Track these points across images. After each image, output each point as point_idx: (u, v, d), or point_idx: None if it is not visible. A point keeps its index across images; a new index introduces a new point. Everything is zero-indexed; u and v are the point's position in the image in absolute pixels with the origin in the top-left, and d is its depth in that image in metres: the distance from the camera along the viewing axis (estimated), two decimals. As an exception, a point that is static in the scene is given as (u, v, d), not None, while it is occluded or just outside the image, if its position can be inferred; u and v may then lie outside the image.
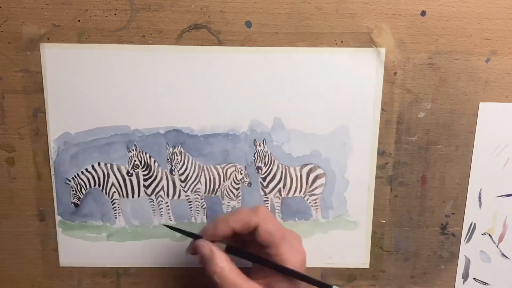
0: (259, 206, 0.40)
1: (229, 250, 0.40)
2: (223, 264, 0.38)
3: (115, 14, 0.43)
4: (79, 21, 0.44)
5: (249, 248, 0.41)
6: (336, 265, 0.50)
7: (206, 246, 0.39)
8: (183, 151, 0.47)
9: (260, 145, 0.47)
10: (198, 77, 0.45)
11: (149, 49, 0.44)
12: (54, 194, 0.48)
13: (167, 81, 0.45)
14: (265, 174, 0.47)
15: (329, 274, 0.50)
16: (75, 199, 0.48)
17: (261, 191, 0.48)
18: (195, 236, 0.41)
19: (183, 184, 0.48)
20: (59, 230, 0.48)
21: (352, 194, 0.48)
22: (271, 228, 0.39)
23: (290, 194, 0.48)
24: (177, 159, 0.47)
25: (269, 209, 0.48)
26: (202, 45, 0.44)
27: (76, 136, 0.46)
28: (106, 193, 0.48)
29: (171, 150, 0.47)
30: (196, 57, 0.45)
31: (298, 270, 0.39)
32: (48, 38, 0.44)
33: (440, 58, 0.45)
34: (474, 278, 0.50)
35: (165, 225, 0.45)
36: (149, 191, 0.48)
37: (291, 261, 0.39)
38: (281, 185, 0.48)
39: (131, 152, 0.47)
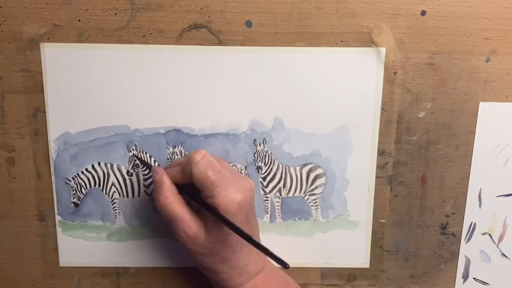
0: (195, 152, 0.40)
1: (179, 189, 0.41)
2: (167, 193, 0.40)
3: (115, 14, 0.43)
4: (79, 21, 0.44)
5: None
6: (336, 265, 0.50)
7: (158, 173, 0.41)
8: (183, 151, 0.47)
9: (260, 145, 0.47)
10: (198, 77, 0.45)
11: (149, 49, 0.44)
12: (54, 194, 0.48)
13: (167, 81, 0.45)
14: (265, 174, 0.47)
15: (329, 274, 0.50)
16: (75, 199, 0.48)
17: (261, 190, 0.48)
18: (150, 166, 0.45)
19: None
20: (59, 230, 0.48)
21: (352, 194, 0.48)
22: (201, 171, 0.39)
23: (290, 194, 0.48)
24: (134, 153, 0.47)
25: (268, 208, 0.48)
26: (202, 45, 0.44)
27: (76, 136, 0.46)
28: (106, 193, 0.48)
29: (171, 150, 0.47)
30: (196, 57, 0.45)
31: (229, 217, 0.39)
32: (48, 38, 0.44)
33: (440, 58, 0.45)
34: (474, 278, 0.50)
35: (135, 155, 0.47)
36: (149, 191, 0.48)
37: (221, 206, 0.39)
38: (281, 184, 0.48)
39: (131, 152, 0.47)
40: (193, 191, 0.41)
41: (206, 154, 0.40)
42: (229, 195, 0.39)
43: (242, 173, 0.47)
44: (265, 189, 0.48)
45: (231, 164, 0.47)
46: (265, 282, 0.43)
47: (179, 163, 0.41)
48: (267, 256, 0.37)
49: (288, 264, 0.35)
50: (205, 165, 0.39)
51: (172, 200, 0.40)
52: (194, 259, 0.42)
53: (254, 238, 0.38)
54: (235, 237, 0.39)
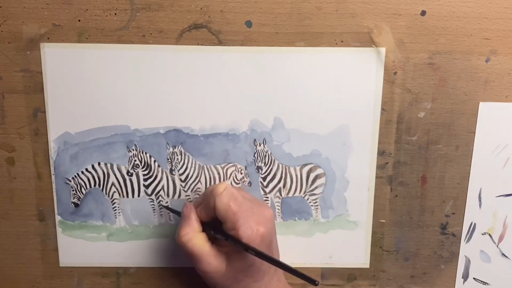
0: (217, 185, 0.41)
1: (207, 225, 0.42)
2: (187, 230, 0.41)
3: (115, 14, 0.43)
4: (79, 21, 0.44)
5: None
6: (336, 265, 0.50)
7: (188, 209, 0.42)
8: (183, 151, 0.47)
9: (260, 145, 0.47)
10: (198, 77, 0.45)
11: (149, 49, 0.44)
12: (54, 194, 0.48)
13: (167, 81, 0.45)
14: (265, 174, 0.47)
15: (329, 274, 0.50)
16: (75, 199, 0.48)
17: (261, 190, 0.48)
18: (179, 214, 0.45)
19: (183, 184, 0.48)
20: (59, 230, 0.48)
21: (352, 194, 0.48)
22: (224, 204, 0.39)
23: (290, 194, 0.48)
24: (177, 159, 0.47)
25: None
26: (202, 45, 0.44)
27: (76, 136, 0.46)
28: (106, 193, 0.48)
29: (171, 150, 0.47)
30: (196, 57, 0.45)
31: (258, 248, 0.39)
32: (48, 38, 0.44)
33: (440, 58, 0.45)
34: (474, 278, 0.50)
35: (163, 205, 0.47)
36: (149, 191, 0.48)
37: (243, 238, 0.39)
38: (281, 184, 0.48)
39: (131, 152, 0.47)
40: (219, 226, 0.41)
41: (228, 186, 0.40)
42: (252, 227, 0.39)
43: (241, 173, 0.47)
44: (265, 189, 0.48)
45: (231, 165, 0.47)
46: None
47: (203, 200, 0.42)
48: (297, 277, 0.37)
49: (318, 281, 0.37)
50: (228, 196, 0.40)
51: (191, 237, 0.41)
52: None
53: (283, 262, 0.39)
54: (257, 266, 0.40)
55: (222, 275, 0.41)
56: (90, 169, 0.47)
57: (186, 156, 0.47)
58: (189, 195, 0.48)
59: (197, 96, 0.45)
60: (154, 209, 0.48)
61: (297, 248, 0.49)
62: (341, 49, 0.45)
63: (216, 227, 0.41)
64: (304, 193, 0.48)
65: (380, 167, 0.47)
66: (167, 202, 0.48)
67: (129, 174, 0.47)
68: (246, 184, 0.48)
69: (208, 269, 0.41)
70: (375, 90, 0.45)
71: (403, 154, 0.47)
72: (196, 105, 0.46)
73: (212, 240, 0.42)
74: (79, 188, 0.47)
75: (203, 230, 0.42)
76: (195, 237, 0.41)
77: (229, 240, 0.40)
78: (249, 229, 0.39)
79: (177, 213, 0.46)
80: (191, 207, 0.42)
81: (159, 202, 0.48)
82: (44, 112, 0.46)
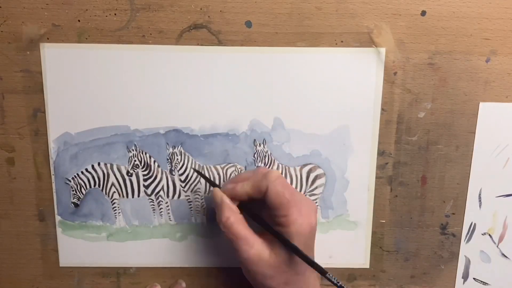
0: (270, 171, 0.41)
1: (241, 207, 0.42)
2: (229, 214, 0.40)
3: (115, 14, 0.43)
4: (79, 21, 0.44)
5: (263, 209, 0.41)
6: (336, 265, 0.50)
7: (218, 195, 0.41)
8: (183, 151, 0.47)
9: (260, 145, 0.47)
10: (198, 77, 0.45)
11: (149, 49, 0.44)
12: (54, 194, 0.48)
13: (167, 81, 0.45)
14: (265, 174, 0.47)
15: (329, 274, 0.50)
16: (75, 199, 0.48)
17: (261, 191, 0.48)
18: (214, 185, 0.44)
19: (183, 184, 0.48)
20: (59, 230, 0.48)
21: (352, 194, 0.48)
22: (278, 191, 0.39)
23: (290, 194, 0.48)
24: (177, 159, 0.47)
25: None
26: (202, 45, 0.44)
27: (76, 136, 0.46)
28: (106, 193, 0.48)
29: (171, 150, 0.47)
30: (196, 57, 0.45)
31: (296, 244, 0.39)
32: (48, 38, 0.44)
33: (440, 58, 0.45)
34: (474, 278, 0.50)
35: (194, 169, 0.47)
36: (149, 191, 0.48)
37: (296, 225, 0.39)
38: (281, 185, 0.48)
39: (131, 152, 0.47)
40: (254, 210, 0.41)
41: (280, 175, 0.40)
42: (303, 216, 0.39)
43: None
44: (265, 189, 0.48)
45: (231, 165, 0.47)
46: None
47: (247, 178, 0.42)
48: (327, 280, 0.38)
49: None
50: (282, 184, 0.40)
51: (234, 220, 0.40)
52: (256, 282, 0.41)
53: (316, 262, 0.39)
54: (300, 258, 0.40)
55: (265, 262, 0.40)
56: (90, 169, 0.47)
57: (186, 156, 0.47)
58: (188, 196, 0.48)
59: (197, 96, 0.45)
60: (154, 209, 0.48)
61: (297, 248, 0.49)
62: (341, 49, 0.45)
63: (252, 211, 0.41)
64: (304, 193, 0.48)
65: (380, 167, 0.47)
66: (167, 203, 0.48)
67: (129, 174, 0.47)
68: (246, 184, 0.48)
69: (253, 252, 0.40)
70: (375, 90, 0.45)
71: (403, 154, 0.47)
72: (196, 105, 0.46)
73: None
74: (79, 188, 0.47)
75: (242, 213, 0.42)
76: (237, 220, 0.40)
77: (265, 228, 0.40)
78: (301, 218, 0.39)
79: (209, 181, 0.45)
80: (220, 192, 0.42)
81: (159, 202, 0.48)
82: (44, 112, 0.46)
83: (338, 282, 0.38)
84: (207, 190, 0.48)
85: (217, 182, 0.47)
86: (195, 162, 0.47)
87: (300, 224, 0.39)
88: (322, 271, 0.38)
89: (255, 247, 0.40)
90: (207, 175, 0.47)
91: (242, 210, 0.42)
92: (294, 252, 0.39)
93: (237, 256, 0.41)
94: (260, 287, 0.41)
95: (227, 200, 0.41)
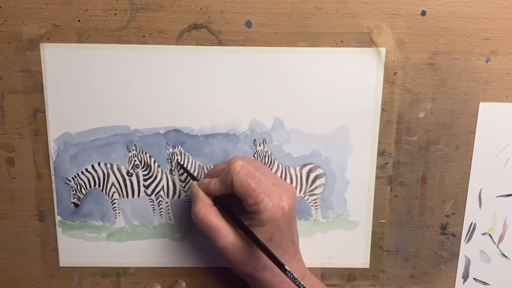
0: (234, 162, 0.41)
1: (216, 201, 0.43)
2: (201, 205, 0.42)
3: (115, 14, 0.43)
4: (79, 21, 0.44)
5: (239, 201, 0.42)
6: (336, 265, 0.50)
7: (194, 188, 0.43)
8: (183, 151, 0.47)
9: (260, 145, 0.47)
10: (198, 77, 0.45)
11: (149, 49, 0.44)
12: (54, 194, 0.48)
13: (167, 81, 0.45)
14: (265, 174, 0.47)
15: (329, 274, 0.50)
16: (75, 199, 0.48)
17: (261, 191, 0.48)
18: (194, 178, 0.46)
19: (183, 184, 0.48)
20: (59, 230, 0.48)
21: (352, 194, 0.48)
22: (242, 181, 0.40)
23: (290, 194, 0.48)
24: (177, 159, 0.47)
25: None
26: (202, 45, 0.44)
27: (76, 136, 0.46)
28: (106, 193, 0.48)
29: (171, 150, 0.47)
30: (196, 57, 0.45)
31: (271, 229, 0.39)
32: (48, 38, 0.44)
33: (440, 58, 0.45)
34: (474, 278, 0.50)
35: (178, 163, 0.47)
36: (149, 191, 0.48)
37: (267, 211, 0.39)
38: (281, 185, 0.48)
39: (131, 152, 0.47)
40: (229, 204, 0.42)
41: (244, 164, 0.41)
42: (273, 201, 0.40)
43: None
44: (265, 189, 0.48)
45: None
46: None
47: (215, 174, 0.43)
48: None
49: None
50: (246, 174, 0.40)
51: (206, 211, 0.41)
52: (236, 269, 0.42)
53: (280, 259, 0.38)
54: (276, 242, 0.40)
55: (241, 250, 0.41)
56: (90, 169, 0.47)
57: (186, 156, 0.47)
58: (189, 196, 0.48)
59: (197, 96, 0.45)
60: (154, 209, 0.48)
61: (297, 248, 0.49)
62: (341, 49, 0.45)
63: (228, 206, 0.42)
64: (304, 193, 0.48)
65: (380, 167, 0.47)
66: (167, 203, 0.48)
67: (129, 174, 0.47)
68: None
69: (226, 243, 0.41)
70: (375, 90, 0.45)
71: (403, 154, 0.47)
72: (196, 105, 0.46)
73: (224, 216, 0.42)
74: (79, 188, 0.47)
75: (215, 206, 0.43)
76: (209, 211, 0.41)
77: (236, 223, 0.40)
78: (271, 202, 0.39)
79: (189, 174, 0.46)
80: (196, 185, 0.43)
81: (159, 202, 0.48)
82: (44, 112, 0.46)
83: (297, 280, 0.37)
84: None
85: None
86: (195, 162, 0.47)
87: (270, 209, 0.39)
88: (282, 267, 0.38)
89: (229, 237, 0.41)
90: (207, 175, 0.47)
91: (216, 203, 0.43)
92: (258, 247, 0.39)
93: (215, 246, 0.41)
94: (242, 272, 0.42)
95: (201, 193, 0.42)
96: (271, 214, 0.39)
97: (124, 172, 0.47)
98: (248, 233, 0.40)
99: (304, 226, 0.49)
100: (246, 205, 0.40)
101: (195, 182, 0.44)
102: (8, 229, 0.49)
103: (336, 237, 0.49)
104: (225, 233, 0.41)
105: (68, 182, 0.47)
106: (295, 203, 0.43)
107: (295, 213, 0.43)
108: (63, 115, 0.46)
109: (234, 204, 0.42)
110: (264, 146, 0.47)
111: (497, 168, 0.47)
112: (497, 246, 0.49)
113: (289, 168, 0.47)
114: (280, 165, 0.47)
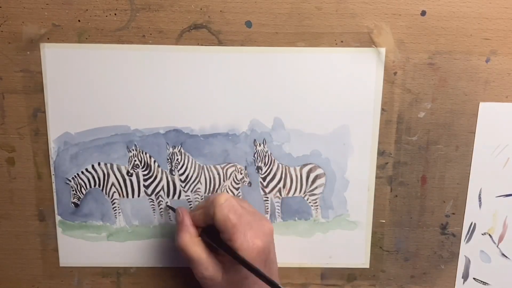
0: (219, 196, 0.41)
1: (205, 231, 0.43)
2: (185, 235, 0.42)
3: (115, 14, 0.43)
4: (79, 21, 0.44)
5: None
6: (336, 265, 0.50)
7: (180, 214, 0.43)
8: (183, 151, 0.47)
9: (260, 145, 0.47)
10: (198, 77, 0.45)
11: (149, 49, 0.44)
12: (54, 194, 0.48)
13: (167, 81, 0.45)
14: (265, 174, 0.47)
15: (329, 274, 0.50)
16: (75, 199, 0.48)
17: (261, 191, 0.48)
18: (173, 209, 0.47)
19: (183, 184, 0.48)
20: (59, 230, 0.48)
21: (352, 194, 0.48)
22: (224, 214, 0.40)
23: (290, 194, 0.48)
24: (177, 159, 0.47)
25: (268, 208, 0.48)
26: (202, 45, 0.44)
27: (76, 136, 0.46)
28: (106, 193, 0.48)
29: (171, 150, 0.47)
30: (196, 57, 0.45)
31: (248, 261, 0.39)
32: (48, 38, 0.44)
33: (440, 58, 0.45)
34: (474, 278, 0.50)
35: (167, 205, 0.48)
36: (149, 191, 0.48)
37: (240, 251, 0.39)
38: (281, 185, 0.48)
39: (131, 152, 0.47)
40: (215, 234, 0.42)
41: (229, 198, 0.41)
42: (248, 240, 0.40)
43: (241, 173, 0.47)
44: (265, 189, 0.48)
45: (231, 165, 0.47)
46: None
47: (203, 206, 0.43)
48: None
49: None
50: (228, 208, 0.40)
51: (189, 242, 0.42)
52: None
53: (274, 280, 0.38)
54: (253, 280, 0.40)
55: (218, 283, 0.41)
56: (90, 169, 0.47)
57: (186, 156, 0.47)
58: (189, 196, 0.48)
59: (197, 96, 0.45)
60: (154, 209, 0.48)
61: (297, 248, 0.49)
62: (341, 49, 0.45)
63: (213, 234, 0.42)
64: (304, 193, 0.48)
65: (380, 167, 0.47)
66: (167, 202, 0.48)
67: (129, 174, 0.47)
68: (246, 184, 0.48)
69: (205, 275, 0.41)
70: (375, 90, 0.45)
71: (403, 154, 0.47)
72: (196, 105, 0.46)
73: (210, 246, 0.42)
74: (79, 188, 0.47)
75: (200, 235, 0.43)
76: (193, 243, 0.42)
77: (225, 251, 0.40)
78: (246, 242, 0.40)
79: (172, 209, 0.47)
80: (183, 212, 0.43)
81: (159, 202, 0.48)
82: (44, 112, 0.46)
83: None
84: (207, 190, 0.48)
85: (217, 181, 0.47)
86: (195, 162, 0.47)
87: (246, 249, 0.39)
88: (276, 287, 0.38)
89: (209, 270, 0.41)
90: (207, 175, 0.47)
91: (201, 233, 0.43)
92: (251, 271, 0.39)
93: (194, 274, 0.42)
94: None
95: (187, 221, 0.43)
96: (246, 254, 0.39)
97: (124, 172, 0.47)
98: (238, 259, 0.39)
99: (304, 226, 0.49)
100: (223, 239, 0.41)
101: (180, 209, 0.44)
102: (8, 229, 0.49)
103: (336, 237, 0.49)
104: (205, 265, 0.41)
105: (68, 182, 0.47)
106: (272, 240, 0.43)
107: (272, 248, 0.43)
108: (63, 115, 0.46)
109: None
110: (264, 146, 0.47)
111: (497, 168, 0.47)
112: (497, 246, 0.49)
113: (289, 168, 0.47)
114: (280, 165, 0.47)
